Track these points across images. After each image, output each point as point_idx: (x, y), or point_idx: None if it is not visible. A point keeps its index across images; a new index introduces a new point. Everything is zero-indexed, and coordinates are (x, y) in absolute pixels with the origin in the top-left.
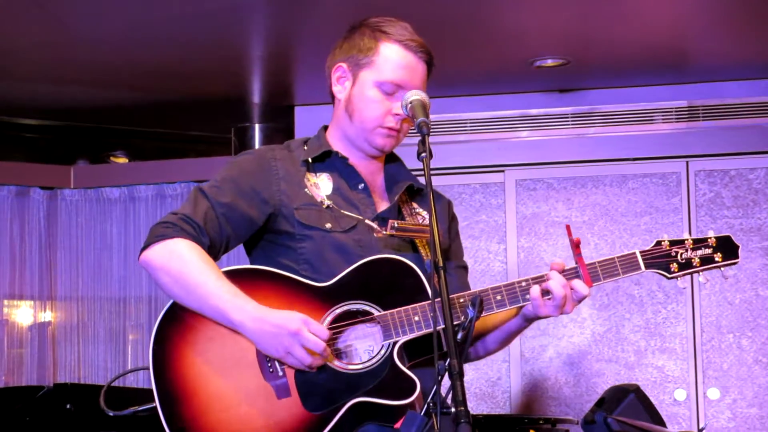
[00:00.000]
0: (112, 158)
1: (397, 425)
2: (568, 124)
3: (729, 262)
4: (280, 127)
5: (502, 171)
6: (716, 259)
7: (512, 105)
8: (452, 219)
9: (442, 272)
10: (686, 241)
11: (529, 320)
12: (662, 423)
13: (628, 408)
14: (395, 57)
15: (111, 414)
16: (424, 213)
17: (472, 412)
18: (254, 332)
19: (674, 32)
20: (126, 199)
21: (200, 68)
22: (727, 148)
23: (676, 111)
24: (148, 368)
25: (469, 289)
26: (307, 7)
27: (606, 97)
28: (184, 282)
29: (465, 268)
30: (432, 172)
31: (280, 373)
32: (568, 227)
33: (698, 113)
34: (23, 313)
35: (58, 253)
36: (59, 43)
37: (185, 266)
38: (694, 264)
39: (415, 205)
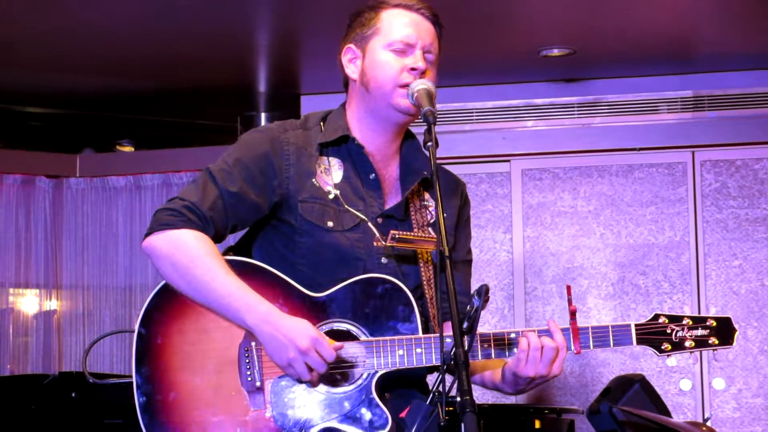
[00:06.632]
0: (117, 147)
1: (403, 414)
2: (574, 114)
3: (723, 347)
4: (286, 116)
5: (508, 160)
6: (710, 342)
7: (518, 94)
8: (463, 204)
9: (447, 262)
10: (685, 319)
11: (507, 382)
12: (667, 413)
13: (634, 398)
14: (399, 18)
15: (91, 381)
16: (432, 208)
17: (477, 401)
18: (263, 335)
19: (680, 23)
20: (132, 187)
21: (206, 57)
22: (732, 138)
23: (681, 101)
24: (131, 331)
25: (469, 288)
26: None
27: (612, 87)
28: (191, 278)
29: (469, 261)
30: (438, 161)
31: (257, 384)
32: (568, 288)
33: (704, 103)
34: (29, 302)
35: (64, 242)
36: (65, 31)
37: (192, 261)
38: (687, 345)
39: (426, 195)
